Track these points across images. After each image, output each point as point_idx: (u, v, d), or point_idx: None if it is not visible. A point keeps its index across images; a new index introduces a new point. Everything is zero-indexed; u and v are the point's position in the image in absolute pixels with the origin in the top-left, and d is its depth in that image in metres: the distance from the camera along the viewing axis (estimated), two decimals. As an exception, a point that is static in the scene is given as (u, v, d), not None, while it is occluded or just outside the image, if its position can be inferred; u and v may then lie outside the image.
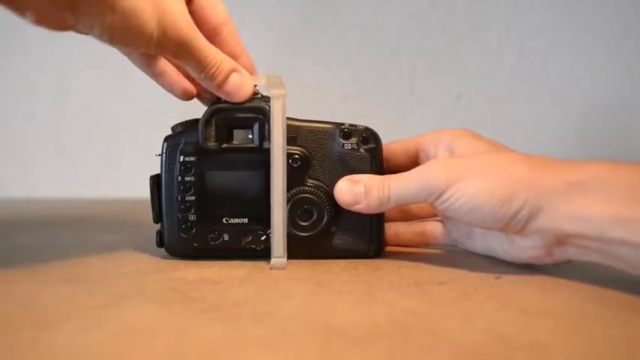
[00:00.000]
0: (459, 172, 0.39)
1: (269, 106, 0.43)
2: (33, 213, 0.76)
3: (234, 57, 0.43)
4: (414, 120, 0.86)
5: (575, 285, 0.37)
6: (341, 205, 0.43)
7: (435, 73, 0.86)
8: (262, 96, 0.45)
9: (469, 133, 0.44)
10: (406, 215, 0.50)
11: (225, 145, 0.44)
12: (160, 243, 0.45)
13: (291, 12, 0.86)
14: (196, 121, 0.45)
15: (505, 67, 0.85)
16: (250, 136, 0.44)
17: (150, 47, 0.37)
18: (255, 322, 0.31)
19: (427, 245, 0.48)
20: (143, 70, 0.47)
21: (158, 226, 0.46)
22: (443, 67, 0.86)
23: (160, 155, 0.45)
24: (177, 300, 0.34)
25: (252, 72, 0.45)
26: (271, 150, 0.43)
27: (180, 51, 0.39)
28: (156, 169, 0.45)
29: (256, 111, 0.44)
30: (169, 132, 0.46)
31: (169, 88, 0.46)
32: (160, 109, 0.84)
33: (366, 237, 0.45)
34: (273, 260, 0.43)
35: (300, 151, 0.44)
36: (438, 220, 0.48)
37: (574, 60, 0.85)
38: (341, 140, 0.44)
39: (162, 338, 0.28)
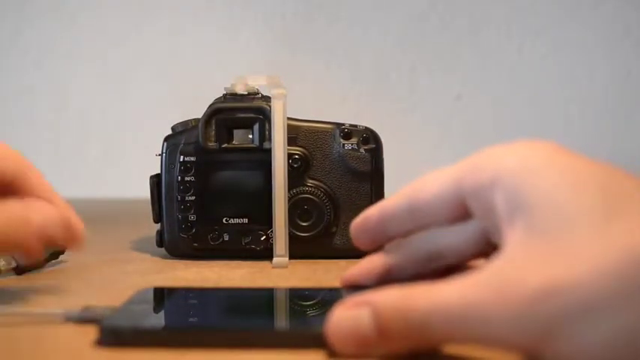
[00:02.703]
0: (566, 300, 0.20)
1: (269, 106, 0.43)
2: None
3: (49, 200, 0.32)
4: (414, 120, 0.86)
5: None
6: (339, 352, 0.24)
7: (435, 73, 0.86)
8: (262, 96, 0.45)
9: (549, 160, 0.23)
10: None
11: (225, 145, 0.44)
12: (160, 243, 0.45)
13: (291, 12, 0.86)
14: (196, 121, 0.45)
15: (505, 67, 0.85)
16: (250, 136, 0.44)
17: None
18: (255, 322, 0.30)
19: None
20: None
21: (158, 226, 0.46)
22: (443, 67, 0.86)
23: (159, 155, 0.45)
24: (177, 300, 0.34)
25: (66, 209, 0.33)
26: (272, 150, 0.43)
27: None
28: (156, 169, 0.45)
29: (257, 111, 0.44)
30: (169, 132, 0.46)
31: None
32: (160, 109, 0.84)
33: (366, 237, 0.45)
34: (275, 259, 0.43)
35: (300, 151, 0.44)
36: None
37: (574, 60, 0.85)
38: (341, 140, 0.44)
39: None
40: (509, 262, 0.22)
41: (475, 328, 0.21)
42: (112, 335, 0.27)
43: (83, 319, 0.29)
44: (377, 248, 0.31)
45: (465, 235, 0.27)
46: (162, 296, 0.34)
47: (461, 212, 0.26)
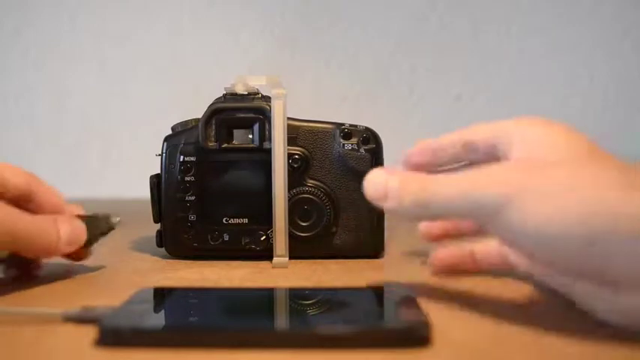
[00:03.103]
0: (523, 184, 0.28)
1: (269, 106, 0.43)
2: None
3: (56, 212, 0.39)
4: (414, 120, 0.86)
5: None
6: (367, 198, 0.33)
7: (435, 73, 0.86)
8: (262, 96, 0.45)
9: (556, 127, 0.32)
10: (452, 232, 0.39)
11: (225, 145, 0.44)
12: (160, 243, 0.45)
13: (291, 12, 0.86)
14: (196, 121, 0.45)
15: (505, 67, 0.85)
16: (250, 136, 0.44)
17: None
18: (255, 322, 0.30)
19: (479, 272, 0.38)
20: None
21: (158, 226, 0.46)
22: (443, 67, 0.86)
23: (160, 155, 0.45)
24: (177, 300, 0.34)
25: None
26: (272, 150, 0.43)
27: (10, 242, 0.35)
28: (156, 169, 0.45)
29: (256, 111, 0.44)
30: (169, 132, 0.46)
31: None
32: (159, 109, 0.84)
33: (366, 237, 0.45)
34: (275, 259, 0.43)
35: (300, 151, 0.44)
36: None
37: (574, 60, 0.85)
38: (341, 140, 0.44)
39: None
40: (497, 166, 0.31)
41: (458, 205, 0.30)
42: (111, 335, 0.27)
43: (82, 318, 0.29)
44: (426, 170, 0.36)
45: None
46: (162, 296, 0.34)
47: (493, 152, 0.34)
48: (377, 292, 0.34)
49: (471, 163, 0.35)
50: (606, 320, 0.28)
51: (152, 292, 0.34)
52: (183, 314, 0.32)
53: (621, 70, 0.84)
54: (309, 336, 0.27)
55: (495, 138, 0.33)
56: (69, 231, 0.37)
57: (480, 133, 0.35)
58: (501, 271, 0.37)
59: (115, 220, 0.42)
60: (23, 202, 0.37)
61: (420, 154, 0.37)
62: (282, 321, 0.32)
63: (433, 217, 0.34)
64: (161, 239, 0.45)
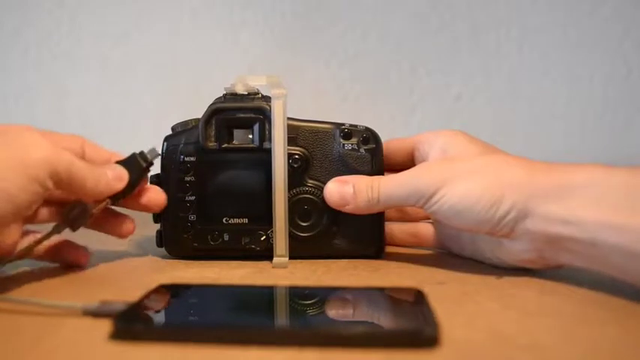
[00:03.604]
0: (448, 174, 0.38)
1: (269, 106, 0.43)
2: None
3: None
4: (414, 120, 0.86)
5: (575, 286, 0.37)
6: (330, 206, 0.43)
7: (435, 73, 0.86)
8: (262, 96, 0.45)
9: (463, 135, 0.43)
10: (403, 216, 0.49)
11: (225, 145, 0.44)
12: (160, 243, 0.45)
13: (291, 12, 0.86)
14: (197, 121, 0.45)
15: (505, 67, 0.85)
16: (250, 136, 0.44)
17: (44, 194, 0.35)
18: (255, 322, 0.30)
19: (419, 247, 0.48)
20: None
21: (158, 226, 0.46)
22: (443, 67, 0.86)
23: (160, 155, 0.45)
24: (177, 300, 0.34)
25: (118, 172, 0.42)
26: (272, 150, 0.43)
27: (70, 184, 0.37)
28: (156, 169, 0.45)
29: (257, 111, 0.44)
30: (169, 132, 0.46)
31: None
32: (159, 109, 0.84)
33: (366, 237, 0.45)
34: (275, 259, 0.43)
35: (300, 151, 0.44)
36: (431, 222, 0.47)
37: (574, 60, 0.85)
38: (341, 140, 0.44)
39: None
40: (417, 168, 0.41)
41: (401, 195, 0.40)
42: (125, 330, 0.28)
43: (100, 313, 0.30)
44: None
45: None
46: (177, 293, 0.34)
47: (411, 157, 0.46)
48: (388, 292, 0.34)
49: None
50: (492, 263, 0.41)
51: (168, 288, 0.35)
52: (196, 311, 0.32)
53: (621, 70, 0.84)
54: (316, 335, 0.27)
55: (417, 144, 0.45)
56: (113, 173, 0.41)
57: (406, 142, 0.46)
58: (435, 248, 0.47)
59: (151, 153, 0.43)
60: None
61: None
62: (296, 321, 0.32)
63: (385, 208, 0.43)
64: (161, 239, 0.45)
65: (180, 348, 0.27)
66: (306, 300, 0.34)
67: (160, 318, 0.30)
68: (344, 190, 0.42)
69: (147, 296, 0.32)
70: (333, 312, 0.33)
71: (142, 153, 0.43)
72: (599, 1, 0.84)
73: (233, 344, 0.27)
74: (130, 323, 0.29)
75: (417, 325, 0.28)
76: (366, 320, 0.32)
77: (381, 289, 0.35)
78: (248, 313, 0.32)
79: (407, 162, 0.45)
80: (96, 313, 0.31)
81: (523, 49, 0.85)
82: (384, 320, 0.31)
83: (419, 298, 0.32)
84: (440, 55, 0.86)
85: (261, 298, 0.34)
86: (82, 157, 0.42)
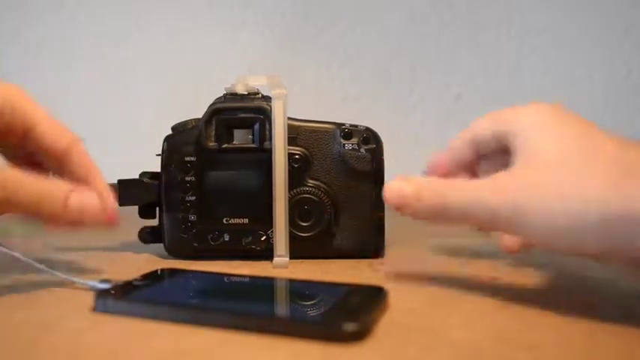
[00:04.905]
0: (528, 198, 0.31)
1: (269, 106, 0.43)
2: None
3: (85, 179, 0.39)
4: (414, 120, 0.86)
5: (574, 286, 0.37)
6: (388, 205, 0.35)
7: (435, 73, 0.86)
8: (263, 96, 0.45)
9: (552, 117, 0.34)
10: None
11: (225, 145, 0.44)
12: (144, 239, 0.46)
13: (291, 12, 0.86)
14: (197, 121, 0.45)
15: (505, 67, 0.85)
16: (250, 136, 0.44)
17: None
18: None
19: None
20: None
21: (150, 224, 0.46)
22: (443, 67, 0.86)
23: (159, 155, 0.45)
24: (177, 300, 0.35)
25: (105, 194, 0.38)
26: (272, 150, 0.43)
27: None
28: (156, 169, 0.45)
29: (257, 111, 0.44)
30: (169, 132, 0.46)
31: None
32: (160, 109, 0.84)
33: (366, 237, 0.45)
34: (275, 259, 0.43)
35: (300, 151, 0.44)
36: None
37: (574, 60, 0.85)
38: (341, 140, 0.44)
39: (162, 337, 0.29)
40: (504, 174, 0.32)
41: (475, 212, 0.32)
42: (102, 303, 0.32)
43: (95, 288, 0.35)
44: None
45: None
46: (169, 276, 0.38)
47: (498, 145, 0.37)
48: (349, 288, 0.34)
49: (485, 157, 0.38)
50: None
51: (160, 271, 0.39)
52: (171, 292, 0.35)
53: (621, 71, 0.84)
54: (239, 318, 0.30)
55: (499, 133, 0.36)
56: (78, 201, 0.36)
57: (484, 128, 0.38)
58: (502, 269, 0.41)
59: None
60: (55, 162, 0.40)
61: (436, 168, 0.39)
62: (233, 305, 0.33)
63: (452, 224, 0.35)
64: (145, 235, 0.46)
65: (151, 323, 0.30)
66: (261, 289, 0.36)
67: (135, 295, 0.34)
68: (403, 190, 0.34)
69: (140, 277, 0.36)
70: (272, 301, 0.35)
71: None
72: (599, 1, 0.84)
73: (188, 324, 0.30)
74: (107, 297, 0.32)
75: (338, 319, 0.29)
76: (297, 310, 0.33)
77: (347, 285, 0.34)
78: (209, 297, 0.35)
79: (499, 153, 0.37)
80: (93, 288, 0.35)
81: (523, 49, 0.85)
82: (312, 312, 0.32)
83: (375, 295, 0.32)
84: (440, 55, 0.86)
85: (233, 286, 0.37)
86: (63, 162, 0.39)
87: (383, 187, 0.35)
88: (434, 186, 0.34)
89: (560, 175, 0.31)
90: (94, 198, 0.37)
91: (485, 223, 0.32)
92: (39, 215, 0.36)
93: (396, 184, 0.35)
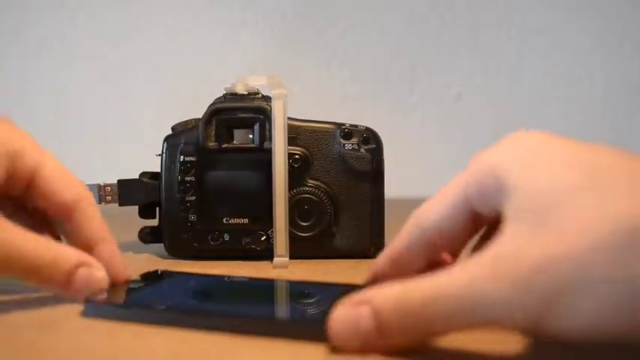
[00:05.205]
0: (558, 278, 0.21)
1: (269, 106, 0.43)
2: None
3: (92, 242, 0.34)
4: (414, 120, 0.86)
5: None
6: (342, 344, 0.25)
7: (435, 73, 0.86)
8: (263, 96, 0.45)
9: (536, 150, 0.26)
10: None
11: (225, 145, 0.44)
12: (145, 239, 0.46)
13: (291, 12, 0.86)
14: (197, 121, 0.45)
15: (505, 67, 0.85)
16: (250, 136, 0.44)
17: None
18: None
19: None
20: None
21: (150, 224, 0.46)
22: (443, 67, 0.86)
23: (160, 155, 0.45)
24: (177, 300, 0.35)
25: (114, 259, 0.34)
26: (272, 150, 0.43)
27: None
28: (156, 169, 0.45)
29: (257, 111, 0.44)
30: (169, 132, 0.46)
31: None
32: (159, 109, 0.84)
33: (366, 237, 0.45)
34: (275, 259, 0.43)
35: (300, 151, 0.44)
36: None
37: (574, 60, 0.85)
38: (341, 140, 0.44)
39: (162, 337, 0.29)
40: (504, 245, 0.23)
41: (473, 310, 0.22)
42: (90, 308, 0.31)
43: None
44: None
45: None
46: (154, 279, 0.37)
47: (473, 220, 0.27)
48: (335, 288, 0.34)
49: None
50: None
51: (151, 274, 0.38)
52: (162, 296, 0.35)
53: (621, 71, 0.84)
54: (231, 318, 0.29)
55: (478, 193, 0.26)
56: (87, 274, 0.32)
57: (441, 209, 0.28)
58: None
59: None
60: (62, 218, 0.35)
61: (386, 267, 0.30)
62: (227, 306, 0.34)
63: (439, 335, 0.25)
64: (145, 235, 0.46)
65: (149, 326, 0.30)
66: (261, 290, 0.36)
67: (125, 299, 0.33)
68: (360, 323, 0.24)
69: (133, 280, 0.35)
70: (272, 303, 0.35)
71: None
72: (599, 1, 0.84)
73: (184, 327, 0.29)
74: (94, 303, 0.31)
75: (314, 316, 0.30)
76: (297, 312, 0.33)
77: (347, 285, 0.34)
78: (203, 299, 0.35)
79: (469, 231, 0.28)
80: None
81: (523, 49, 0.85)
82: (311, 313, 0.32)
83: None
84: (440, 55, 0.86)
85: (229, 288, 0.36)
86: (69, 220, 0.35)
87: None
88: (396, 301, 0.24)
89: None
90: (102, 270, 0.33)
91: (492, 326, 0.23)
92: (38, 283, 0.32)
93: (346, 316, 0.25)
